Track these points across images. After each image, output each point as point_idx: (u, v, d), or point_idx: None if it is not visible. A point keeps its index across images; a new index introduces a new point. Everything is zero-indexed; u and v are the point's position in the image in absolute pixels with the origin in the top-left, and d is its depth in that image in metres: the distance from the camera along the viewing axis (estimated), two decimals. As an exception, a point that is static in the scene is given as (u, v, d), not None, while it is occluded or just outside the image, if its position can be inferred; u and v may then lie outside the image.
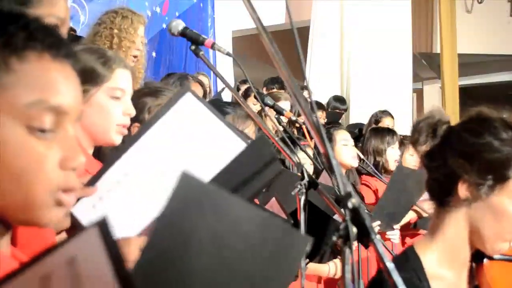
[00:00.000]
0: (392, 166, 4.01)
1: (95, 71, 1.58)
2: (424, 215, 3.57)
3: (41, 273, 0.55)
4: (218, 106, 2.43)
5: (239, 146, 1.20)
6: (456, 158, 1.32)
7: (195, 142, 1.21)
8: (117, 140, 1.60)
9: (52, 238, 1.23)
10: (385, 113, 5.23)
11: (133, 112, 1.63)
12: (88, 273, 0.53)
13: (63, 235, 1.30)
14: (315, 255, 2.36)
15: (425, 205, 3.29)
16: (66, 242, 0.57)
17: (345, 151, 3.70)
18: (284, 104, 3.85)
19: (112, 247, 0.53)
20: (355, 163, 3.74)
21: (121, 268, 0.52)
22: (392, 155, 4.02)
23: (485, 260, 1.36)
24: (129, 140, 1.23)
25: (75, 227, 1.26)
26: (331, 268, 2.98)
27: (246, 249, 0.67)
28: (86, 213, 1.20)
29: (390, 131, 4.13)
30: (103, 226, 0.55)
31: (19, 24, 0.77)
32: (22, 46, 0.76)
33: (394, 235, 3.47)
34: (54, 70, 0.78)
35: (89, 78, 1.55)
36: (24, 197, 0.76)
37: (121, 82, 1.62)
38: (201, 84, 4.15)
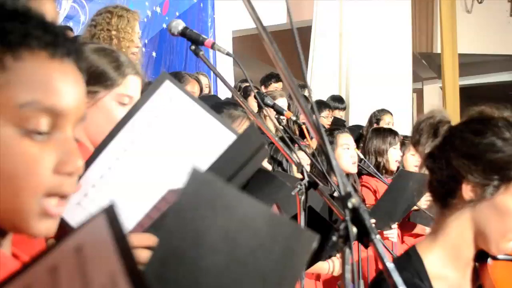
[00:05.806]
0: (393, 166, 4.01)
1: (107, 75, 1.57)
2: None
3: (49, 264, 0.54)
4: (217, 105, 2.41)
5: (223, 132, 1.18)
6: (460, 159, 1.30)
7: (178, 131, 1.19)
8: None
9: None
10: (384, 111, 5.27)
11: None
12: (95, 260, 0.52)
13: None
14: (317, 259, 2.35)
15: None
16: (75, 231, 0.55)
17: (346, 155, 3.59)
18: (280, 102, 3.84)
19: (118, 233, 0.52)
20: (353, 169, 3.65)
21: (127, 255, 0.51)
22: (393, 155, 4.01)
23: (489, 260, 1.35)
24: (109, 135, 1.19)
25: (62, 227, 1.24)
26: (329, 265, 2.99)
27: (257, 247, 0.67)
28: (72, 212, 1.16)
29: (392, 132, 4.11)
30: (110, 212, 0.54)
31: (17, 21, 0.73)
32: (18, 43, 0.72)
33: (392, 233, 3.47)
34: (51, 70, 0.75)
35: (99, 80, 1.55)
36: (12, 204, 0.72)
37: (130, 89, 1.60)
38: (198, 81, 4.15)
